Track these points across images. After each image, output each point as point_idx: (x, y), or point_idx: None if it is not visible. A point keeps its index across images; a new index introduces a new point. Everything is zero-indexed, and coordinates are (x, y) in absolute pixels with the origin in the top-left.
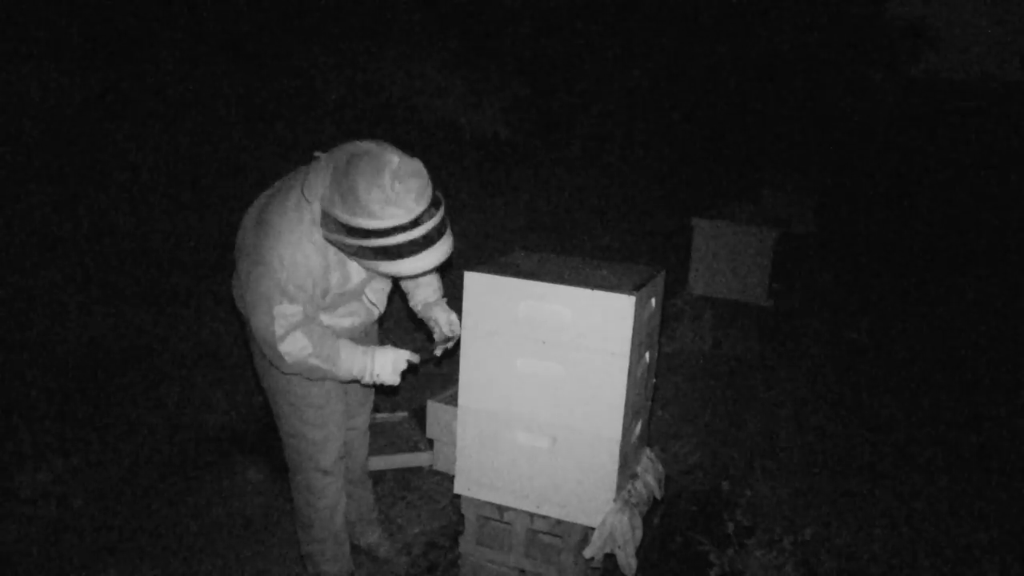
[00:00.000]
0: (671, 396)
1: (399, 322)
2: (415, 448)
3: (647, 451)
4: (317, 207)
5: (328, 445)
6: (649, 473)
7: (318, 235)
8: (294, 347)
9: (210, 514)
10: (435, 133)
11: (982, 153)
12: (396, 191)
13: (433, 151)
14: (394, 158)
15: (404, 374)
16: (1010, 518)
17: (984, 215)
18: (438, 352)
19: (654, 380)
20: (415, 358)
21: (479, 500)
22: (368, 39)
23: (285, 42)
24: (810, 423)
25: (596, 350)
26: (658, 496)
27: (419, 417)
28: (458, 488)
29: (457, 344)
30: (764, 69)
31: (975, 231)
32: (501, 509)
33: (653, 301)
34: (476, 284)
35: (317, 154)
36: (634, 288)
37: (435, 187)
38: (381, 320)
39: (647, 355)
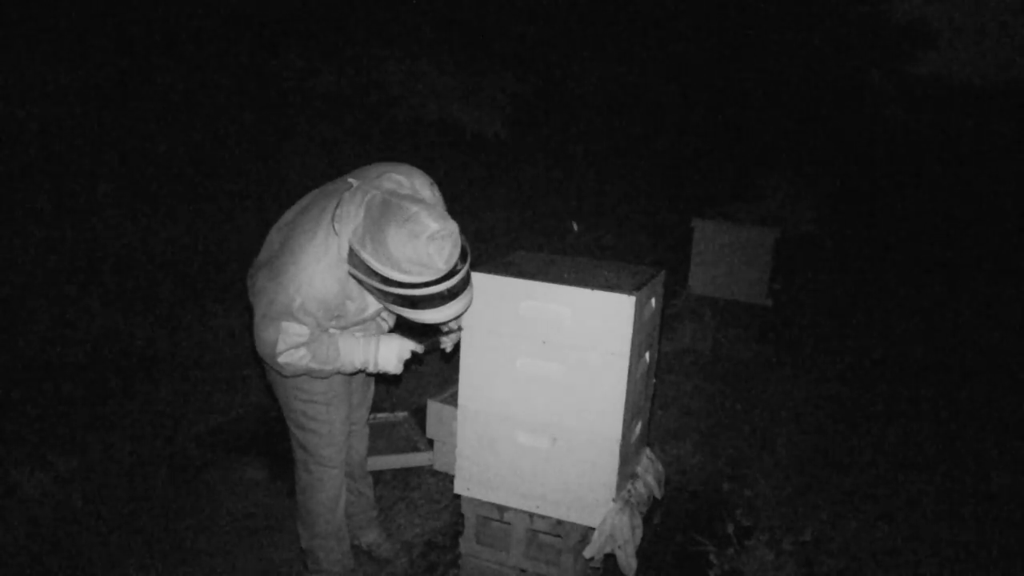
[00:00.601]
0: (671, 396)
1: None
2: (415, 448)
3: (647, 451)
4: (345, 242)
5: (332, 439)
6: (649, 473)
7: (342, 269)
8: (292, 359)
9: (210, 514)
10: (435, 133)
11: (982, 153)
12: (430, 254)
13: (433, 151)
14: (432, 225)
15: (408, 363)
16: (1010, 518)
17: (984, 215)
18: (446, 346)
19: (654, 380)
20: (419, 348)
21: (479, 500)
22: (368, 39)
23: (285, 42)
24: (810, 423)
25: (596, 350)
26: (658, 496)
27: (419, 417)
28: (458, 488)
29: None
30: (764, 69)
31: (975, 231)
32: (501, 509)
33: (653, 301)
34: (476, 284)
35: (351, 180)
36: (634, 288)
37: (463, 243)
38: None
39: (647, 355)
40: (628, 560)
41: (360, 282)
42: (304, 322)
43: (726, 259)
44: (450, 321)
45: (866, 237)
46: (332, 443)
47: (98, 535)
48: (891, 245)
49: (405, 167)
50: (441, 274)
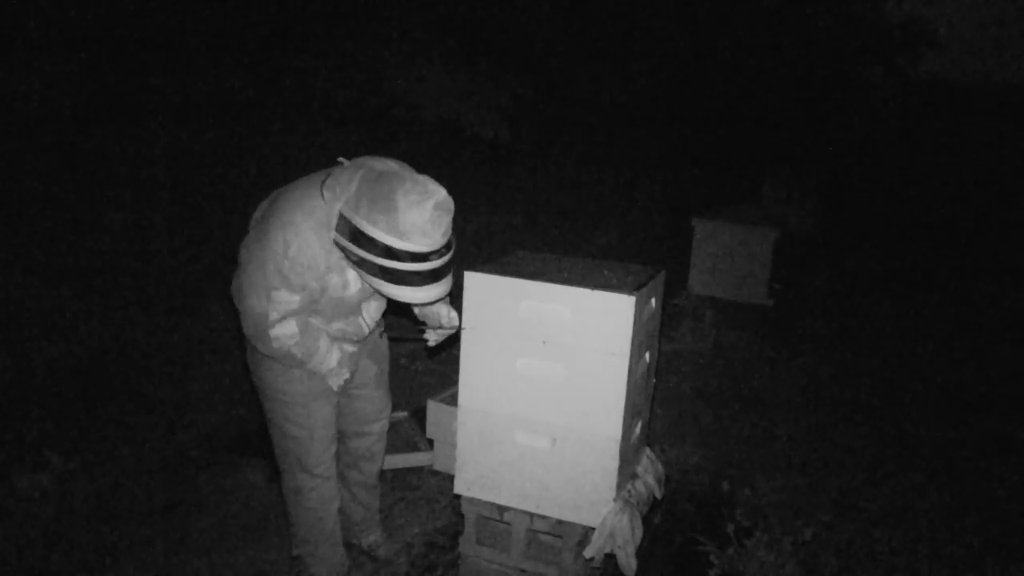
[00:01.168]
0: (671, 396)
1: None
2: (415, 448)
3: (647, 451)
4: (335, 208)
5: (313, 445)
6: (649, 473)
7: (326, 235)
8: (283, 332)
9: (209, 514)
10: (435, 133)
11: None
12: (432, 222)
13: (433, 151)
14: (440, 192)
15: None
16: (1010, 518)
17: (984, 215)
18: (429, 339)
19: (654, 380)
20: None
21: (479, 500)
22: (368, 39)
23: (285, 42)
24: (810, 423)
25: (596, 350)
26: (658, 496)
27: (419, 417)
28: (458, 488)
29: (451, 339)
30: (764, 69)
31: (975, 231)
32: (501, 509)
33: (653, 301)
34: (476, 284)
35: (342, 160)
36: (634, 288)
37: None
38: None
39: (647, 355)
40: (628, 560)
41: (346, 253)
42: (295, 288)
43: (726, 259)
44: (430, 304)
45: (866, 237)
46: (313, 450)
47: (98, 535)
48: (891, 245)
49: (397, 162)
50: (433, 248)
